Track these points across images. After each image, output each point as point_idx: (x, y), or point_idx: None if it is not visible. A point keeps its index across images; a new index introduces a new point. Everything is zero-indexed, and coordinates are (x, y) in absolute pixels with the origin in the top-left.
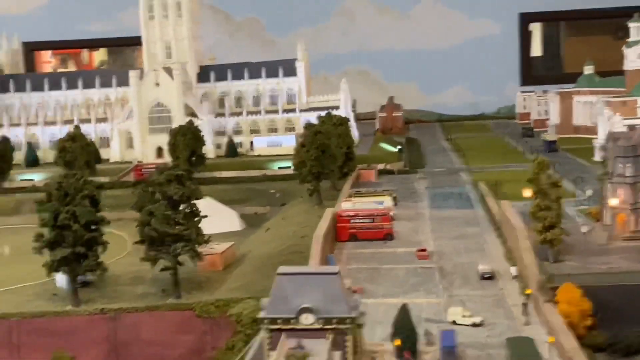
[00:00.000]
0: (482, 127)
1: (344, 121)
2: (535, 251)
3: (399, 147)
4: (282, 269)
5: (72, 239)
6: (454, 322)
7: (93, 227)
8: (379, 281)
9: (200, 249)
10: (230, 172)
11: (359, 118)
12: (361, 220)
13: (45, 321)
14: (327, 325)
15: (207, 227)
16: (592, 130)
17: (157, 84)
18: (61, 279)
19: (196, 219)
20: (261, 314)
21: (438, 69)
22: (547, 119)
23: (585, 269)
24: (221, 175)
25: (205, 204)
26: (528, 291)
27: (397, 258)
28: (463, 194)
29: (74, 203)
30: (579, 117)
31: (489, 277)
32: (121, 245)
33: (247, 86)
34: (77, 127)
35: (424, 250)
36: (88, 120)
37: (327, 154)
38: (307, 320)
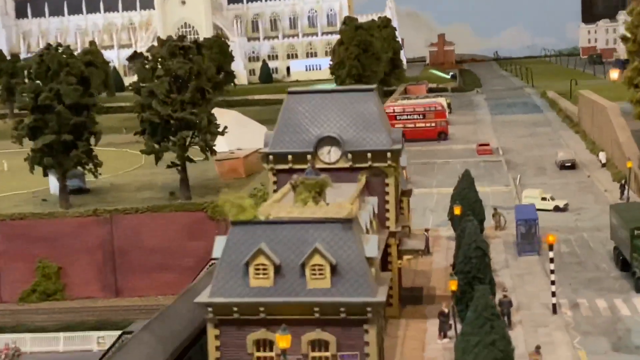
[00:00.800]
0: (543, 62)
1: (388, 23)
2: (632, 131)
3: (452, 73)
4: (295, 88)
5: (56, 124)
6: None
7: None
8: (432, 174)
9: (220, 154)
10: (264, 95)
11: (407, 60)
12: (409, 117)
13: (28, 225)
14: (359, 163)
15: (235, 141)
16: None
17: (184, 2)
18: (55, 185)
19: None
20: (263, 149)
21: (493, 9)
22: (615, 48)
23: None
24: (253, 97)
25: (233, 118)
26: (629, 164)
27: (453, 153)
28: (529, 103)
29: (58, 80)
30: None
31: (570, 166)
32: (136, 163)
33: (282, 6)
34: (92, 43)
35: (486, 145)
36: (111, 47)
37: (370, 53)
38: (329, 155)
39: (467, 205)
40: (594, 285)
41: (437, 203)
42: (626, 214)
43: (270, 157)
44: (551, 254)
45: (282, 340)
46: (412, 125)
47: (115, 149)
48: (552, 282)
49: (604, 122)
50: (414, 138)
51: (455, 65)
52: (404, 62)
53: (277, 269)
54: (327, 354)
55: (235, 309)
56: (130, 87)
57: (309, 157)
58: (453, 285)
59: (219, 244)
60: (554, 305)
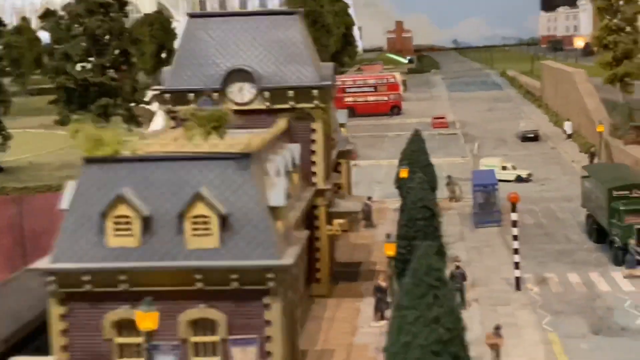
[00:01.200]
0: (503, 50)
1: None
2: (600, 99)
3: (409, 58)
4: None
5: None
6: None
7: None
8: (382, 147)
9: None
10: None
11: (364, 50)
12: (360, 90)
13: None
14: (278, 104)
15: None
16: None
17: None
18: None
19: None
20: (157, 88)
21: (452, 0)
22: (575, 35)
23: None
24: None
25: None
26: (600, 128)
27: (406, 127)
28: (488, 81)
29: None
30: None
31: (533, 137)
32: (67, 144)
33: None
34: (24, 19)
35: (442, 117)
36: None
37: (319, 25)
38: (241, 94)
39: (416, 169)
40: (564, 258)
41: (385, 175)
42: (602, 174)
43: (166, 96)
44: (514, 216)
45: (145, 319)
46: (363, 99)
47: (45, 130)
48: (515, 251)
49: (569, 90)
50: (365, 112)
51: (413, 53)
52: (359, 43)
53: (146, 223)
54: (215, 338)
55: (86, 277)
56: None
57: (215, 95)
58: (389, 250)
59: (68, 191)
60: (517, 279)
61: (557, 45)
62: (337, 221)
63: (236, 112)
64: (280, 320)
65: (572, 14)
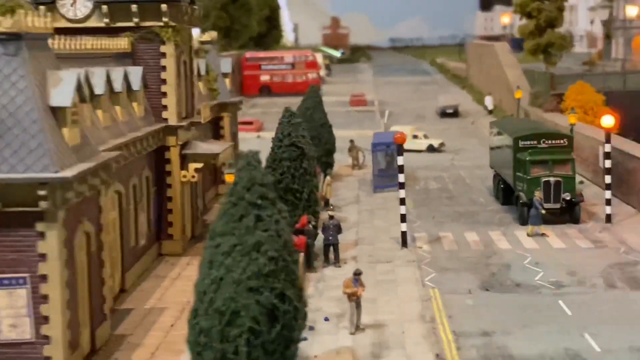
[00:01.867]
0: (439, 48)
1: None
2: (523, 70)
3: (342, 51)
4: None
5: None
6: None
7: None
8: None
9: None
10: None
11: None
12: (277, 67)
13: None
14: (121, 21)
15: None
16: None
17: None
18: None
19: None
20: None
21: (391, 1)
22: (512, 33)
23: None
24: None
25: None
26: (518, 94)
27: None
28: (417, 69)
29: None
30: None
31: (452, 112)
32: None
33: None
34: None
35: (360, 95)
36: None
37: (240, 4)
38: (74, 8)
39: (311, 129)
40: (465, 219)
41: None
42: (509, 126)
43: None
44: (400, 160)
45: None
46: (280, 78)
47: None
48: (402, 201)
49: (492, 64)
50: (282, 92)
51: (349, 49)
52: (290, 32)
53: None
54: None
55: None
56: None
57: (42, 8)
58: (229, 178)
59: None
60: (403, 234)
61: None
62: (193, 165)
63: (69, 30)
64: (59, 253)
65: (508, 12)
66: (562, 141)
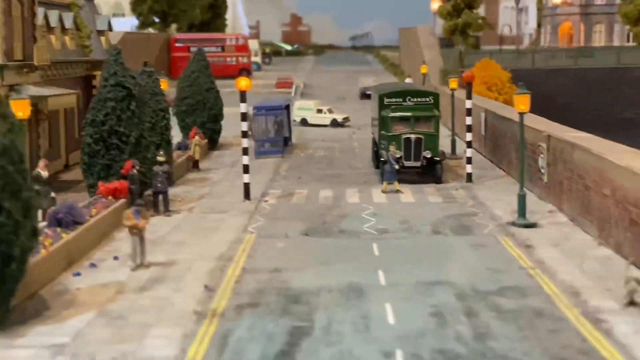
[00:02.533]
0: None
1: None
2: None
3: (296, 45)
4: None
5: None
6: (304, 122)
7: None
8: None
9: None
10: None
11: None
12: (205, 50)
13: None
14: None
15: None
16: None
17: None
18: None
19: None
20: None
21: (357, 1)
22: None
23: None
24: None
25: None
26: (423, 69)
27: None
28: (360, 61)
29: None
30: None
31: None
32: None
33: None
34: None
35: (286, 78)
36: None
37: None
38: None
39: (197, 93)
40: (330, 180)
41: None
42: (382, 87)
43: None
44: (243, 108)
45: None
46: (209, 60)
47: None
48: (244, 151)
49: (415, 47)
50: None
51: (310, 46)
52: (243, 21)
53: None
54: None
55: None
56: None
57: None
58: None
59: None
60: (246, 186)
61: (449, 43)
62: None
63: None
64: None
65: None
66: (427, 99)
